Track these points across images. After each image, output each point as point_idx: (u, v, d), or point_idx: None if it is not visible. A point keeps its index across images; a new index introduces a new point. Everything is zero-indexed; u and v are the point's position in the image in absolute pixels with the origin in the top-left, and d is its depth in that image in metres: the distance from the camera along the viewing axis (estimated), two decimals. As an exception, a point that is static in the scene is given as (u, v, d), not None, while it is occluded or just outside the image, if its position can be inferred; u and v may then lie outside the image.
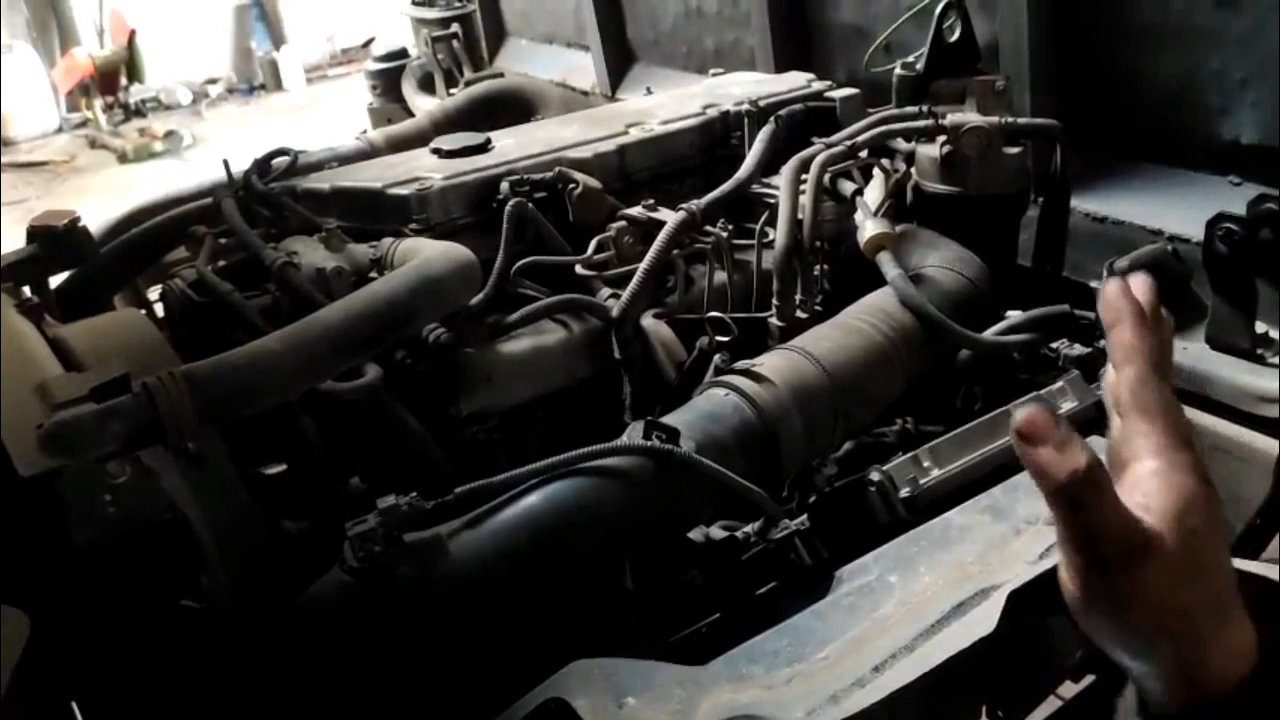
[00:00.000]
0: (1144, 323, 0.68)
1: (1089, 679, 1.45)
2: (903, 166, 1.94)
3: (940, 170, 1.86)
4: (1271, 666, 0.64)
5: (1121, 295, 0.69)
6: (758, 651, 1.11)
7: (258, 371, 1.24)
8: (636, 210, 1.84)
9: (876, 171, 1.94)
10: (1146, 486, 0.65)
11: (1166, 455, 0.65)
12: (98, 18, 10.38)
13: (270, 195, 1.94)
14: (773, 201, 1.81)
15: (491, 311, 1.65)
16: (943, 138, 1.83)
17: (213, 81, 11.37)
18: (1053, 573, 0.70)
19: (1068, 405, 1.46)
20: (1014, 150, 1.84)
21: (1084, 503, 0.61)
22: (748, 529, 1.46)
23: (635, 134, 2.07)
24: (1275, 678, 0.64)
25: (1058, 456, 0.61)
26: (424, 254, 1.57)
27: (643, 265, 1.69)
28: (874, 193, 1.88)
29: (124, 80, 10.30)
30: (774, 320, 1.75)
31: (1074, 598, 0.66)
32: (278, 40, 11.71)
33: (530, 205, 1.80)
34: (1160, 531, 0.63)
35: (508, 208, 1.76)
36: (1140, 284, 0.71)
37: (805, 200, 1.74)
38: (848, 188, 1.82)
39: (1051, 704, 1.50)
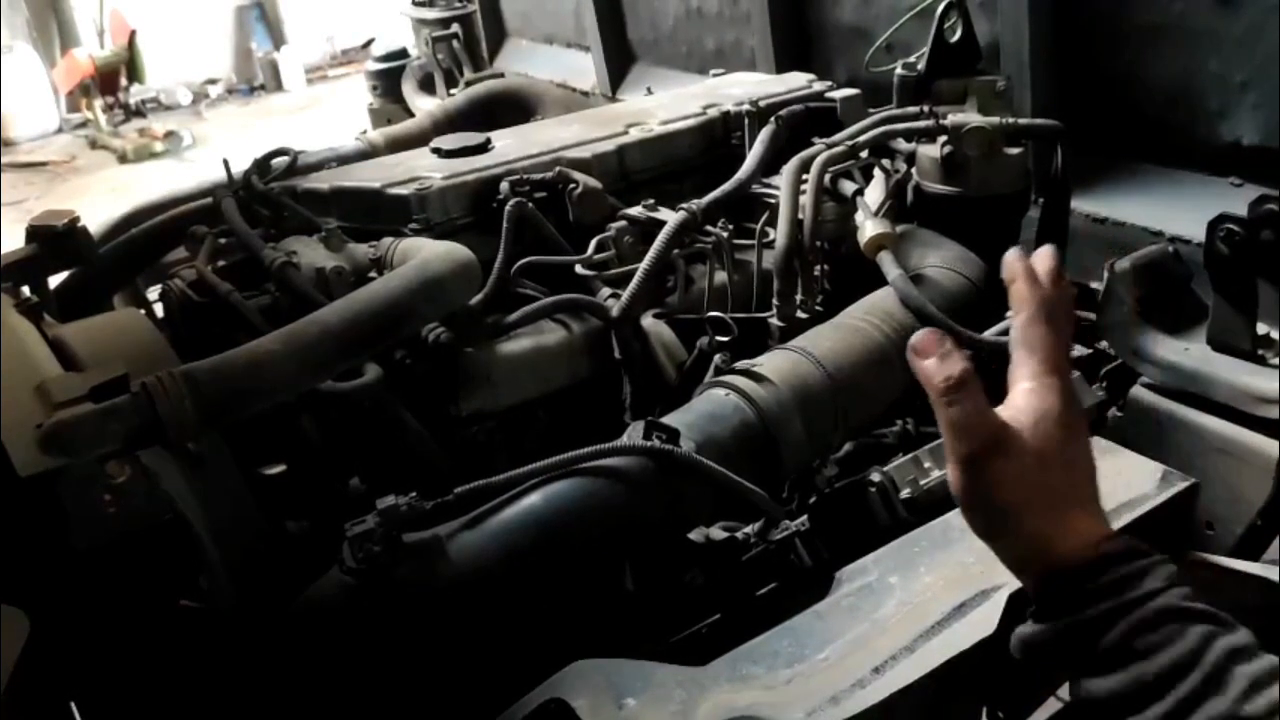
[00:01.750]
0: (1034, 280, 0.86)
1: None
2: (903, 167, 1.94)
3: (941, 170, 1.86)
4: (1115, 552, 0.78)
5: (1018, 259, 0.88)
6: (758, 652, 1.11)
7: (258, 371, 1.23)
8: (636, 210, 1.83)
9: (877, 172, 1.94)
10: (1018, 401, 0.84)
11: (1038, 379, 0.83)
12: (98, 18, 10.39)
13: (270, 195, 1.94)
14: (773, 201, 1.80)
15: (491, 311, 1.65)
16: (943, 138, 1.83)
17: (213, 82, 11.39)
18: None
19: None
20: (1015, 150, 1.84)
21: (956, 402, 0.80)
22: (748, 530, 1.47)
23: (635, 134, 2.06)
24: (1116, 559, 0.78)
25: (939, 365, 0.81)
26: (424, 254, 1.56)
27: (643, 265, 1.69)
28: (874, 193, 1.88)
29: (124, 80, 10.31)
30: (774, 320, 1.74)
31: (955, 487, 0.84)
32: (278, 41, 11.72)
33: (530, 205, 1.80)
34: (1018, 431, 0.81)
35: (508, 208, 1.76)
36: (1043, 256, 0.89)
37: (806, 200, 1.74)
38: (848, 188, 1.81)
39: (1052, 705, 1.49)
